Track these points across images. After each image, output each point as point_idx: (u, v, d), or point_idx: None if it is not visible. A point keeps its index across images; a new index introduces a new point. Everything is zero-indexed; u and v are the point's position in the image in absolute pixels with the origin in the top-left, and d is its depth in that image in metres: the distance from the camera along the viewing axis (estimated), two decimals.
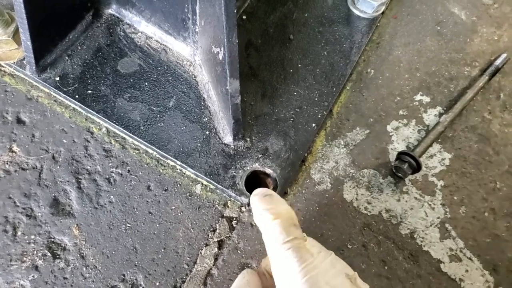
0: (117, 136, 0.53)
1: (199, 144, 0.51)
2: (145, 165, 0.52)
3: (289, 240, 0.34)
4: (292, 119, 0.54)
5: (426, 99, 0.61)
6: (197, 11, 0.47)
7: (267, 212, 0.37)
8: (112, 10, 0.57)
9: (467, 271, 0.51)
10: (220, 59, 0.43)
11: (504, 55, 0.62)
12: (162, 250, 0.49)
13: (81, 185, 0.51)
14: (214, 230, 0.50)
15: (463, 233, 0.53)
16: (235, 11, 0.37)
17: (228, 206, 0.52)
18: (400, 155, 0.54)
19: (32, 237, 0.48)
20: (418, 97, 0.61)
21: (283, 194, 0.52)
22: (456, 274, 0.51)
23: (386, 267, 0.51)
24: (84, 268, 0.47)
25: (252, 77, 0.56)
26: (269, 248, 0.36)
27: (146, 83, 0.54)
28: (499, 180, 0.56)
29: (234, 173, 0.51)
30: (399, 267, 0.51)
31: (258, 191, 0.40)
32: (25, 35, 0.47)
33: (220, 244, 0.50)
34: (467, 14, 0.68)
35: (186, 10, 0.48)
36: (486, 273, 0.51)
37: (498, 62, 0.62)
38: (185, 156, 0.51)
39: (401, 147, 0.57)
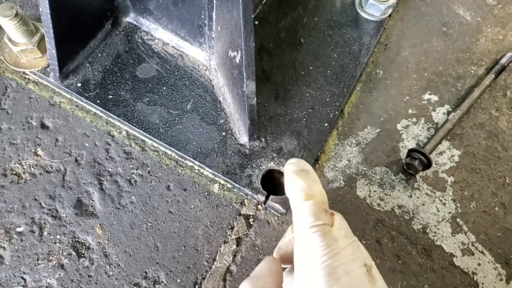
0: (137, 138, 0.55)
1: (216, 145, 0.53)
2: (165, 166, 0.54)
3: (317, 225, 0.34)
4: (305, 119, 0.56)
5: (434, 98, 0.62)
6: (214, 17, 0.49)
7: (301, 190, 0.36)
8: (130, 18, 0.59)
9: (479, 264, 0.52)
10: (237, 62, 0.45)
11: (509, 54, 0.64)
12: (183, 248, 0.50)
13: (103, 187, 0.53)
14: (232, 228, 0.52)
15: (474, 227, 0.54)
16: (252, 16, 0.39)
17: (245, 204, 0.53)
18: (411, 152, 0.55)
19: (58, 237, 0.50)
20: (426, 96, 0.62)
21: None
22: (469, 267, 0.52)
23: (400, 262, 0.52)
24: (108, 266, 0.49)
25: (265, 80, 0.58)
26: (296, 227, 0.36)
27: (164, 88, 0.56)
28: (508, 175, 0.58)
29: (250, 172, 0.52)
30: (413, 261, 0.52)
31: (294, 161, 0.38)
32: (50, 44, 0.49)
33: (238, 241, 0.51)
34: (471, 15, 0.70)
35: (202, 16, 0.50)
36: (498, 266, 0.52)
37: (503, 60, 0.64)
38: (203, 157, 0.53)
39: (411, 144, 0.58)
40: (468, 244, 0.53)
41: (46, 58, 0.54)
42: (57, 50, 0.50)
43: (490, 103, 0.63)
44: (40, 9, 0.46)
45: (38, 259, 0.49)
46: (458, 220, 0.55)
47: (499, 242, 0.54)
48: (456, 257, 0.53)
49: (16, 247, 0.49)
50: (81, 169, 0.53)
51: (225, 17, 0.44)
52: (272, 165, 0.53)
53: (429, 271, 0.52)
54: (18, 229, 0.50)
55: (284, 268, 0.41)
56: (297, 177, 0.37)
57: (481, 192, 0.56)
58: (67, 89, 0.55)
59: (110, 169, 0.54)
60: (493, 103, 0.63)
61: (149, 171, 0.54)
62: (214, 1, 0.46)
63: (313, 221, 0.34)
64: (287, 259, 0.41)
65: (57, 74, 0.53)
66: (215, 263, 0.50)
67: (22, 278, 0.48)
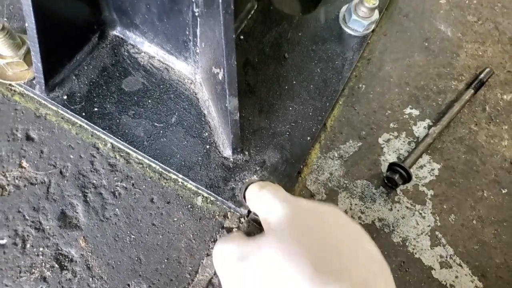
0: (121, 151, 0.56)
1: (200, 158, 0.54)
2: (149, 179, 0.55)
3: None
4: (288, 133, 0.57)
5: (416, 112, 0.64)
6: (198, 34, 0.50)
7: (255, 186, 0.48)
8: (116, 31, 0.60)
9: (457, 277, 0.54)
10: (220, 79, 0.46)
11: (487, 69, 0.66)
12: (165, 260, 0.51)
13: (88, 199, 0.53)
14: (215, 241, 0.52)
15: (452, 240, 0.56)
16: (234, 36, 0.40)
17: (228, 217, 0.54)
18: (392, 166, 0.56)
19: (41, 249, 0.50)
20: (408, 110, 0.64)
21: None
22: (446, 280, 0.53)
23: None
24: (91, 279, 0.49)
25: (250, 93, 0.59)
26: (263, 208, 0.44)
27: (149, 101, 0.57)
28: (486, 189, 0.59)
29: (234, 185, 0.53)
30: (392, 274, 0.53)
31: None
32: (36, 58, 0.50)
33: None
34: (452, 31, 0.72)
35: (187, 32, 0.51)
36: (475, 278, 0.54)
37: (482, 76, 0.65)
38: (187, 170, 0.53)
39: (392, 158, 0.60)
40: (446, 257, 0.55)
41: (32, 71, 0.55)
42: (43, 64, 0.51)
43: (469, 117, 0.64)
44: (26, 24, 0.47)
45: (20, 272, 0.49)
46: (437, 233, 0.56)
47: (476, 255, 0.55)
48: (435, 269, 0.54)
49: None
50: (65, 181, 0.54)
51: (208, 35, 0.45)
52: (255, 178, 0.54)
53: (407, 284, 0.53)
54: (1, 242, 0.50)
55: None
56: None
57: (459, 206, 0.58)
58: (53, 101, 0.55)
59: (94, 181, 0.54)
60: (473, 117, 0.64)
61: (133, 184, 0.54)
62: (198, 19, 0.47)
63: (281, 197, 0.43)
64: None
65: (43, 86, 0.54)
66: (197, 275, 0.51)
67: None
